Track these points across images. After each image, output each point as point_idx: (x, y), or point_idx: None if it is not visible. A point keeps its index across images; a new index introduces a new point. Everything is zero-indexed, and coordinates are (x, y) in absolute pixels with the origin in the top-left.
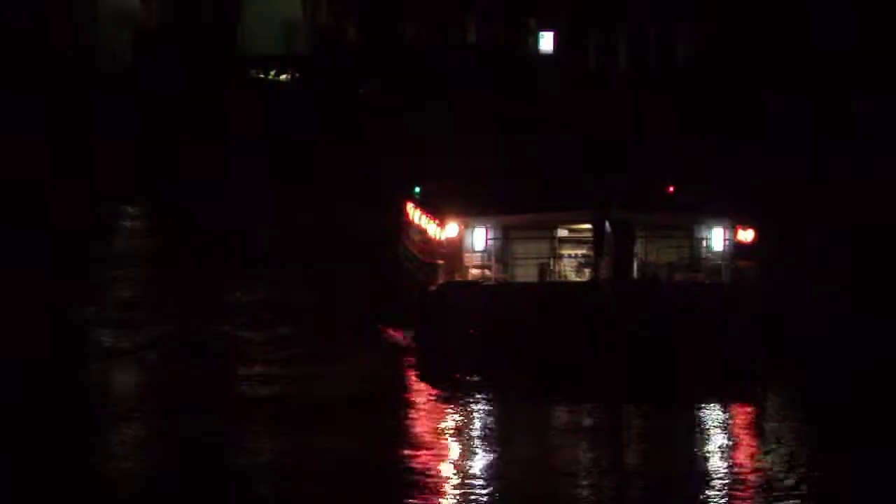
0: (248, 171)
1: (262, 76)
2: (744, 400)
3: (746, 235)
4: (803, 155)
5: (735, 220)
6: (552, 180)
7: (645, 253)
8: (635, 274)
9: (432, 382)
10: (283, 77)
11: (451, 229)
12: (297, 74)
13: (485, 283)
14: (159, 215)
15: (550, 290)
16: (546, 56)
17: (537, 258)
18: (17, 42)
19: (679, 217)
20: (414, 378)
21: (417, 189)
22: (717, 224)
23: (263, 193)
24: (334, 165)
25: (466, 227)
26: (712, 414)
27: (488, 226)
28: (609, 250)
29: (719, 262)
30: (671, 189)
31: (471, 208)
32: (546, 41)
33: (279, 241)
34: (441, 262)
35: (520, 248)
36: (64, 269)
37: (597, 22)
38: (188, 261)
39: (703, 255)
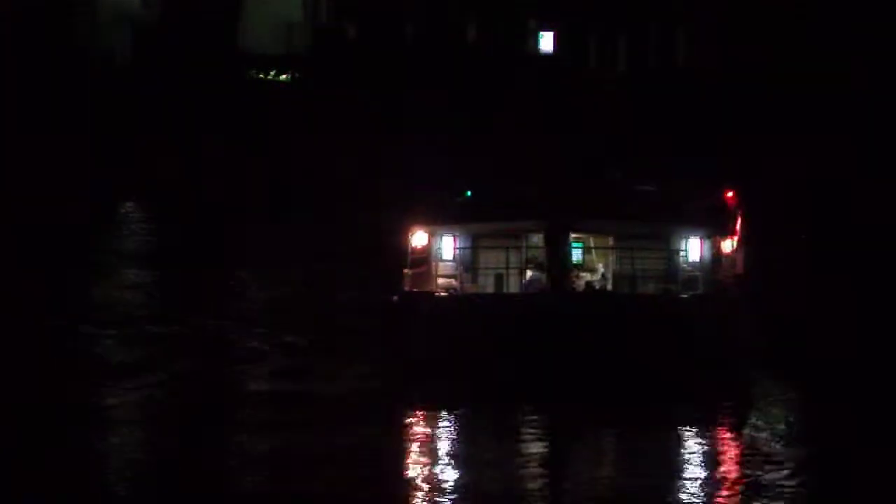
0: (247, 170)
1: (261, 76)
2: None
3: (727, 245)
4: (804, 154)
5: (715, 229)
6: (527, 185)
7: (618, 263)
8: (580, 286)
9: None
10: (282, 77)
11: (420, 237)
12: (297, 75)
13: (438, 294)
14: (157, 215)
15: (498, 302)
16: (546, 56)
17: (508, 268)
18: (15, 39)
19: (654, 226)
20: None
21: (469, 192)
22: (695, 234)
23: (262, 193)
24: (335, 166)
25: (434, 235)
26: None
27: (456, 234)
28: (549, 261)
29: (696, 273)
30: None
31: (438, 215)
32: (546, 41)
33: (277, 242)
34: (409, 271)
35: (489, 258)
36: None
37: (597, 22)
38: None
39: (680, 266)
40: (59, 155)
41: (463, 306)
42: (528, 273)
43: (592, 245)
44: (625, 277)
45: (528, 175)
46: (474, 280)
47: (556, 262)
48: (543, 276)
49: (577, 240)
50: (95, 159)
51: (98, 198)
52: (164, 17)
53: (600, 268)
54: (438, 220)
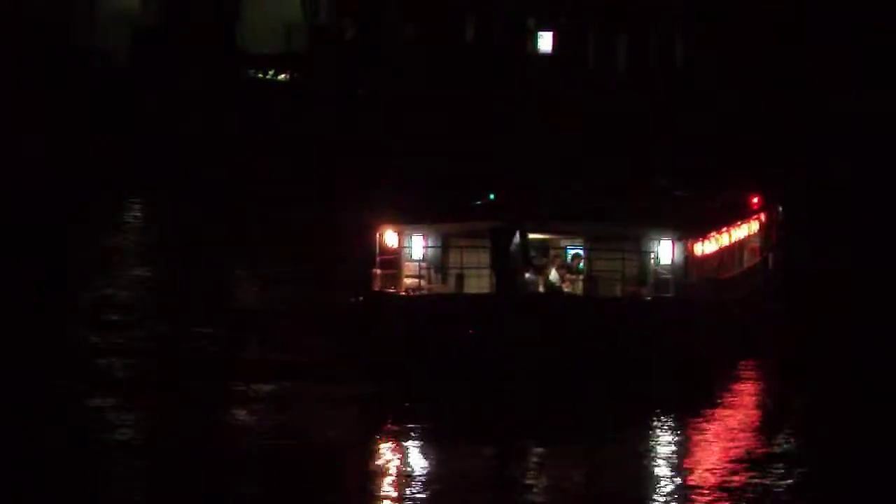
0: (245, 169)
1: (260, 76)
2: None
3: (703, 248)
4: (802, 154)
5: (688, 232)
6: (503, 186)
7: (587, 265)
8: (530, 287)
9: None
10: (281, 77)
11: (390, 237)
12: (296, 74)
13: (402, 294)
14: (158, 214)
15: (453, 302)
16: (545, 56)
17: (477, 268)
18: (14, 40)
19: (625, 228)
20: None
21: (492, 195)
22: (666, 236)
23: (261, 192)
24: (334, 165)
25: (403, 234)
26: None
27: (425, 233)
28: (495, 261)
29: (668, 276)
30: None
31: (407, 215)
32: (545, 41)
33: (275, 240)
34: (378, 271)
35: (457, 257)
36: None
37: (596, 22)
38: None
39: (651, 269)
40: (58, 153)
41: (417, 307)
42: (527, 275)
43: (561, 246)
44: (590, 279)
45: (503, 175)
46: (444, 280)
47: (503, 262)
48: (538, 279)
49: (542, 241)
50: (93, 158)
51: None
52: (162, 16)
53: (574, 268)
54: (408, 219)
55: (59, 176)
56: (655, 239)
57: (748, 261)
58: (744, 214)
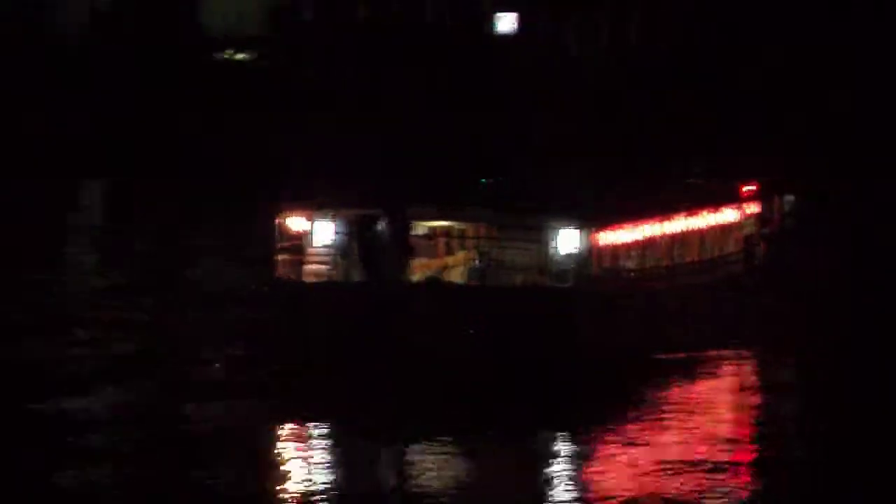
0: (203, 150)
1: (219, 56)
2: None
3: (607, 238)
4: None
5: (590, 221)
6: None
7: (484, 254)
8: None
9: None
10: (239, 57)
11: (296, 223)
12: (254, 55)
13: (304, 282)
14: (114, 197)
15: (334, 291)
16: (506, 37)
17: (351, 254)
18: None
19: (526, 217)
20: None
21: (483, 181)
22: (568, 226)
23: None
24: (290, 146)
25: (310, 220)
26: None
27: (331, 220)
28: (360, 250)
29: (568, 266)
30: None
31: (314, 200)
32: (506, 22)
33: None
34: (281, 258)
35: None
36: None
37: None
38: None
39: (552, 259)
40: (11, 134)
41: (313, 294)
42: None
43: (456, 235)
44: (476, 270)
45: (412, 161)
46: (349, 268)
47: (366, 251)
48: (484, 267)
49: (443, 229)
50: (48, 139)
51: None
52: None
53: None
54: (314, 205)
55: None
56: (557, 228)
57: (726, 250)
58: (720, 203)
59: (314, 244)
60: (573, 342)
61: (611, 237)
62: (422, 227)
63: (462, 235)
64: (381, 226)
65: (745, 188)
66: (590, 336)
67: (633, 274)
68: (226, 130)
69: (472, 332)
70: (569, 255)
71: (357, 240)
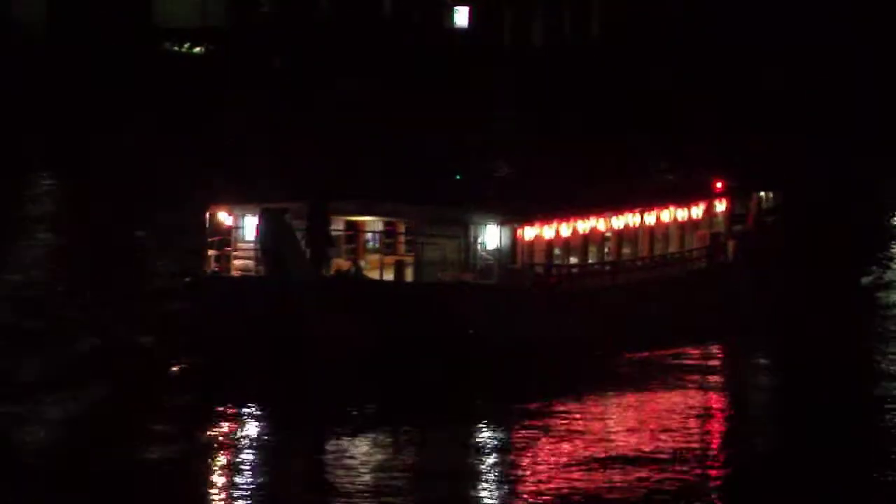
0: (158, 145)
1: (175, 48)
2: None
3: (534, 233)
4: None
5: (511, 217)
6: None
7: (407, 250)
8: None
9: None
10: (196, 50)
11: (225, 218)
12: (211, 48)
13: (227, 276)
14: (63, 189)
15: (243, 286)
16: (462, 31)
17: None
18: None
19: (451, 212)
20: None
21: (458, 176)
22: (491, 221)
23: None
24: (244, 143)
25: (236, 214)
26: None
27: (258, 214)
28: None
29: (492, 261)
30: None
31: (241, 195)
32: (461, 16)
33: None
34: (211, 252)
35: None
36: None
37: None
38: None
39: (476, 254)
40: None
41: (235, 288)
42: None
43: (381, 230)
44: (403, 265)
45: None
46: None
47: (268, 245)
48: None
49: (351, 224)
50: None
51: None
52: None
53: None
54: (241, 200)
55: None
56: (482, 224)
57: (689, 245)
58: (680, 199)
59: (243, 238)
60: (461, 336)
61: (540, 233)
62: (344, 222)
63: (385, 231)
64: (288, 218)
65: (716, 185)
66: (482, 330)
67: (557, 271)
68: (167, 125)
69: (377, 326)
70: (494, 251)
71: (262, 233)
